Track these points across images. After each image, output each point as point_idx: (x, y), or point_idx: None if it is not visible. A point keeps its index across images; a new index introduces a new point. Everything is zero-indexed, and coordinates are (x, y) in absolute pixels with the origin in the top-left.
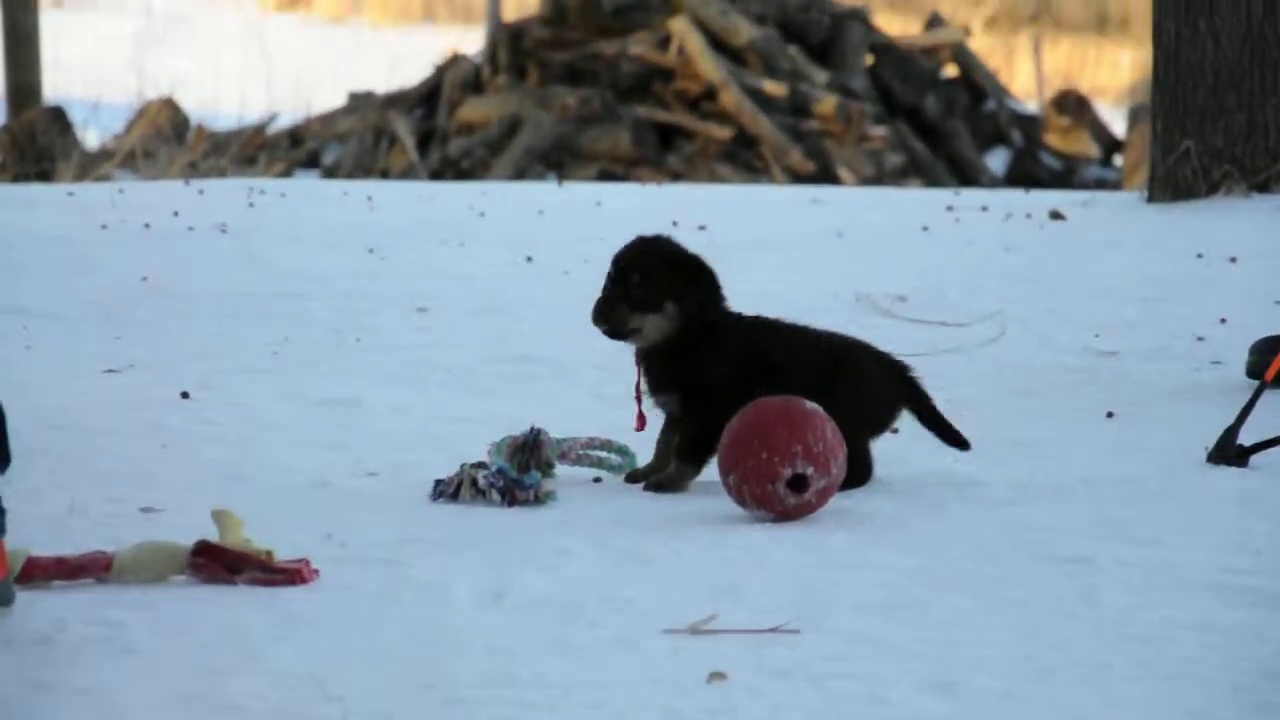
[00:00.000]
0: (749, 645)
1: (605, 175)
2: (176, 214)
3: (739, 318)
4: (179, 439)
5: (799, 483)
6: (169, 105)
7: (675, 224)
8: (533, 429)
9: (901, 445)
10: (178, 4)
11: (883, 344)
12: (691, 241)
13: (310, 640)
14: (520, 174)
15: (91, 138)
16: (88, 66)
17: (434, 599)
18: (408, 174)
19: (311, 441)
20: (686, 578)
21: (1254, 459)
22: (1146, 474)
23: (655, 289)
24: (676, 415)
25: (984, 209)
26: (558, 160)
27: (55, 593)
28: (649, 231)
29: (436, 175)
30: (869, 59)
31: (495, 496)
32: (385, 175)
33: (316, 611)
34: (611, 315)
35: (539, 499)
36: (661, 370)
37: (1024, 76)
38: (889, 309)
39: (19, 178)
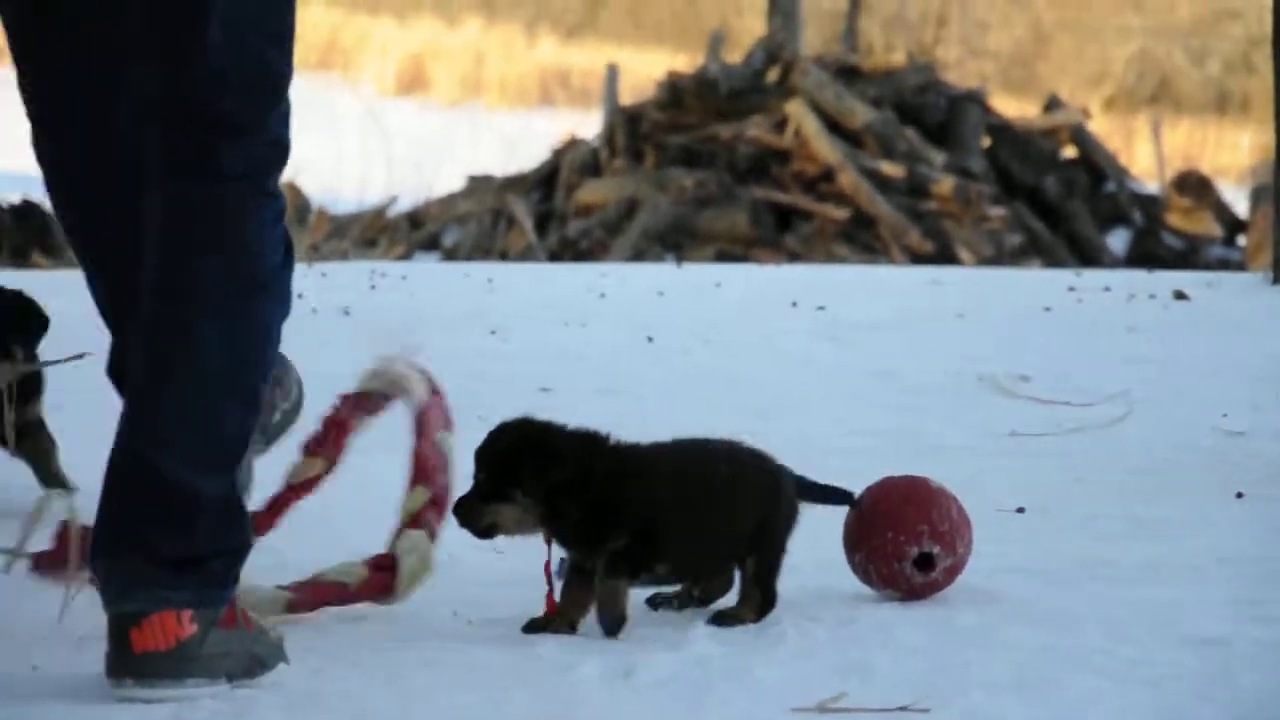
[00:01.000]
0: None
1: (723, 256)
2: (300, 296)
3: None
4: (302, 514)
5: (925, 561)
6: (290, 189)
7: (795, 304)
8: None
9: (1028, 524)
10: (298, 87)
11: (1007, 424)
12: (812, 321)
13: (435, 717)
14: (638, 255)
15: None
16: None
17: (561, 677)
18: (526, 255)
19: None
20: (814, 656)
21: None
22: None
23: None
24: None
25: (1107, 289)
26: (675, 241)
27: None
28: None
29: (554, 256)
30: (986, 141)
31: None
32: (504, 257)
33: (442, 688)
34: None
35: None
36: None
37: (1144, 158)
38: (1012, 389)
39: None
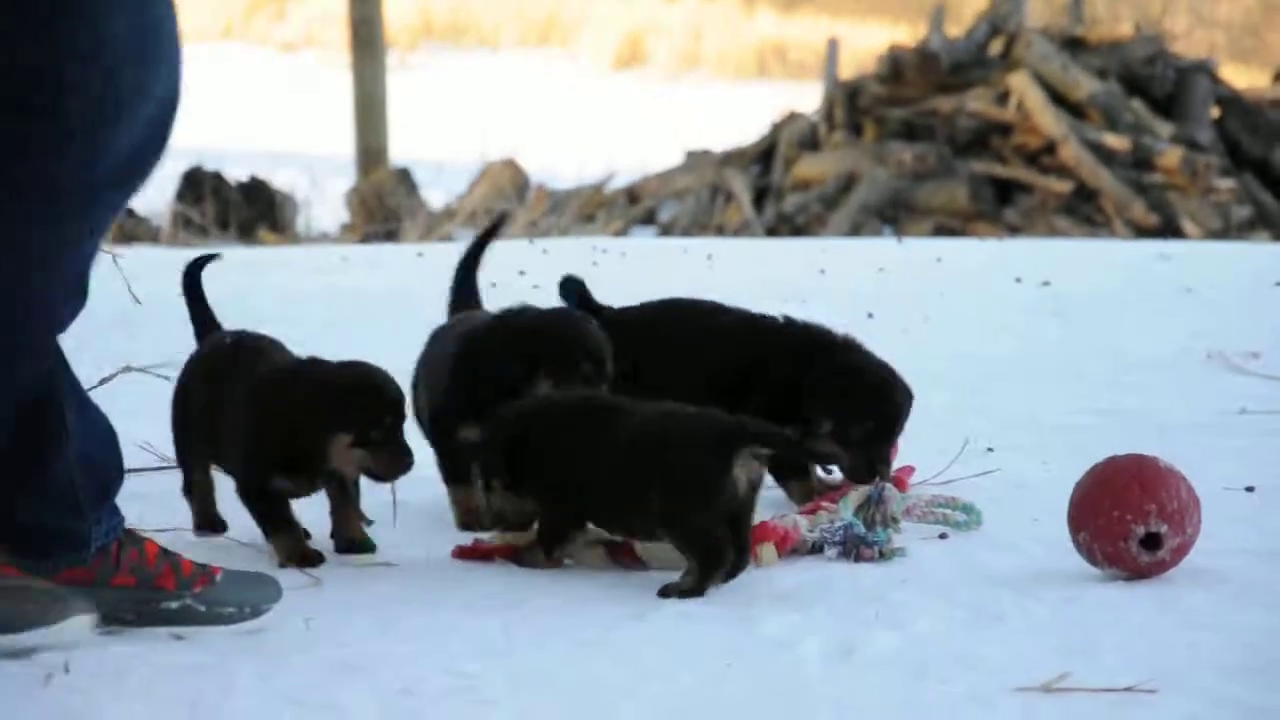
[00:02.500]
0: (1104, 705)
1: (941, 230)
2: (522, 273)
3: None
4: None
5: (1152, 541)
6: (510, 165)
7: (1019, 280)
8: (879, 484)
9: (1259, 503)
10: (517, 64)
11: (1236, 401)
12: (1035, 297)
13: (662, 694)
14: (856, 230)
15: (435, 198)
16: (432, 128)
17: (782, 655)
18: (743, 230)
19: None
20: (1038, 635)
21: None
22: None
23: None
24: None
25: None
26: (893, 216)
27: (412, 644)
28: None
29: (772, 231)
30: (1215, 112)
31: (830, 552)
32: (721, 232)
33: (668, 666)
34: None
35: (884, 555)
36: None
37: None
38: (1241, 365)
39: (367, 237)
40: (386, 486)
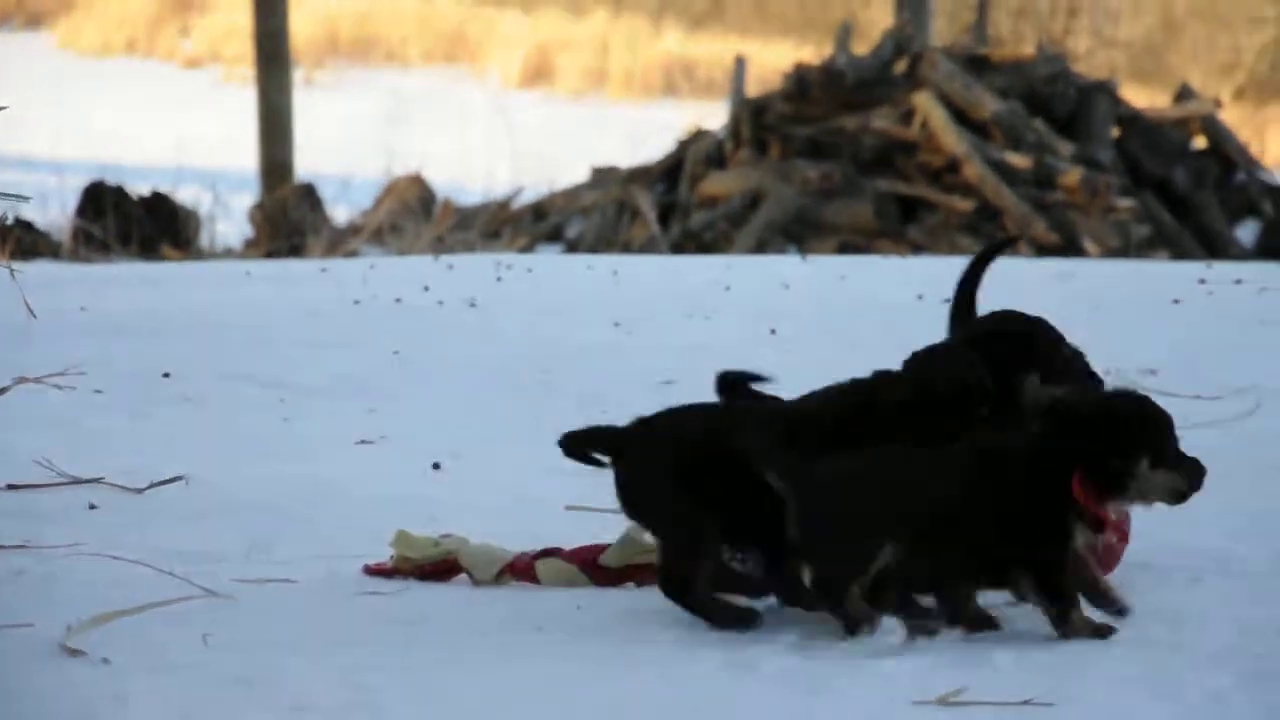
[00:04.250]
0: (1001, 719)
1: (846, 248)
2: (427, 288)
3: None
4: (431, 509)
5: None
6: (416, 181)
7: (921, 297)
8: None
9: (1157, 520)
10: (424, 81)
11: None
12: (938, 314)
13: (563, 708)
14: (761, 247)
15: (340, 213)
16: (337, 144)
17: (683, 670)
18: (649, 247)
19: (559, 512)
20: (935, 651)
21: None
22: None
23: None
24: None
25: (1238, 282)
26: (798, 233)
27: (311, 658)
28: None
29: (678, 248)
30: (1116, 131)
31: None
32: (627, 248)
33: (568, 680)
34: None
35: None
36: None
37: (1276, 148)
38: (1139, 382)
39: (271, 253)
40: (283, 506)
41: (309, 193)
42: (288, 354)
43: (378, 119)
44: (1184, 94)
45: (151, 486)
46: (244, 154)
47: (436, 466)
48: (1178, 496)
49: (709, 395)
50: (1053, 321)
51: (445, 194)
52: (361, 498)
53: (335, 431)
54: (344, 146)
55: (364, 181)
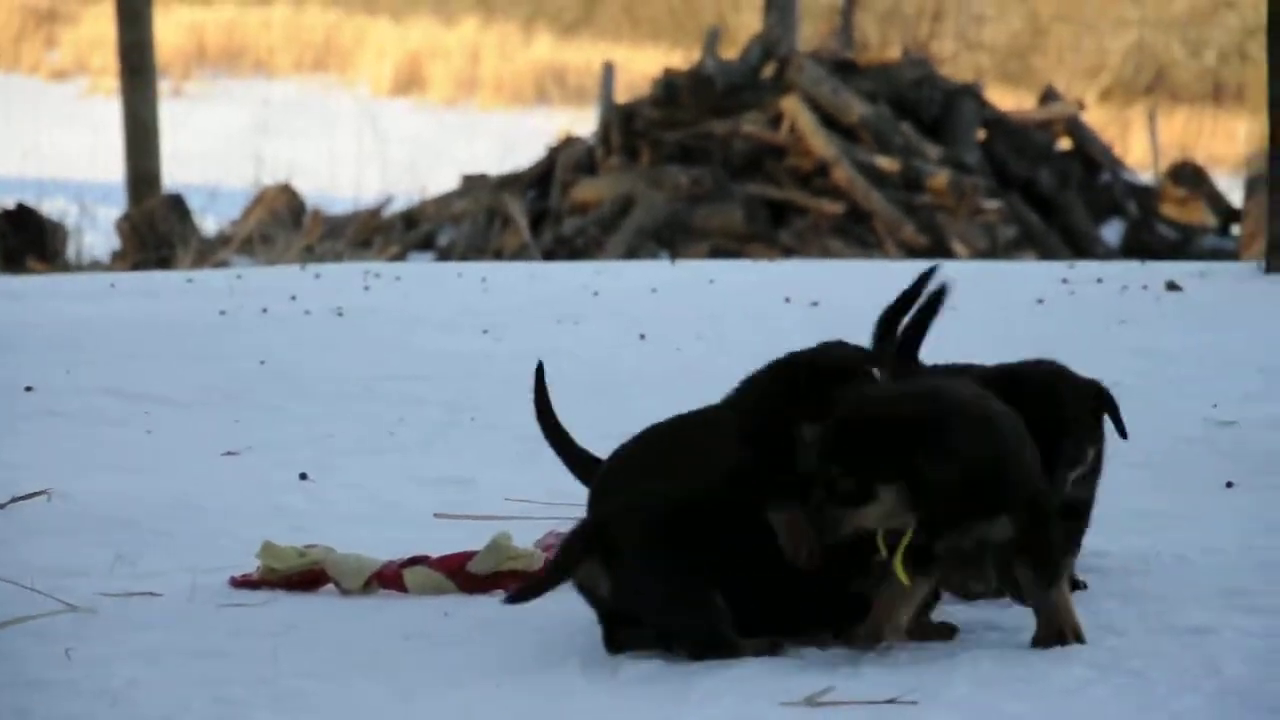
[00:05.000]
0: (866, 717)
1: (717, 252)
2: (294, 298)
3: None
4: (298, 519)
5: None
6: (286, 191)
7: (788, 300)
8: None
9: None
10: (293, 90)
11: None
12: (806, 317)
13: (429, 714)
14: (632, 252)
15: (209, 224)
16: (206, 154)
17: (547, 676)
18: (521, 254)
19: (428, 520)
20: (801, 654)
21: None
22: (1268, 543)
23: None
24: None
25: (1099, 281)
26: (670, 238)
27: (177, 671)
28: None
29: (549, 255)
30: (982, 134)
31: None
32: (499, 256)
33: (435, 686)
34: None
35: None
36: None
37: (1139, 149)
38: None
39: (139, 265)
40: (147, 518)
41: (177, 204)
42: (152, 366)
43: (246, 129)
44: (1049, 96)
45: (14, 501)
46: (111, 166)
47: (303, 477)
48: None
49: (576, 401)
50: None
51: (315, 203)
52: (227, 509)
53: (200, 443)
54: (213, 157)
55: (233, 192)
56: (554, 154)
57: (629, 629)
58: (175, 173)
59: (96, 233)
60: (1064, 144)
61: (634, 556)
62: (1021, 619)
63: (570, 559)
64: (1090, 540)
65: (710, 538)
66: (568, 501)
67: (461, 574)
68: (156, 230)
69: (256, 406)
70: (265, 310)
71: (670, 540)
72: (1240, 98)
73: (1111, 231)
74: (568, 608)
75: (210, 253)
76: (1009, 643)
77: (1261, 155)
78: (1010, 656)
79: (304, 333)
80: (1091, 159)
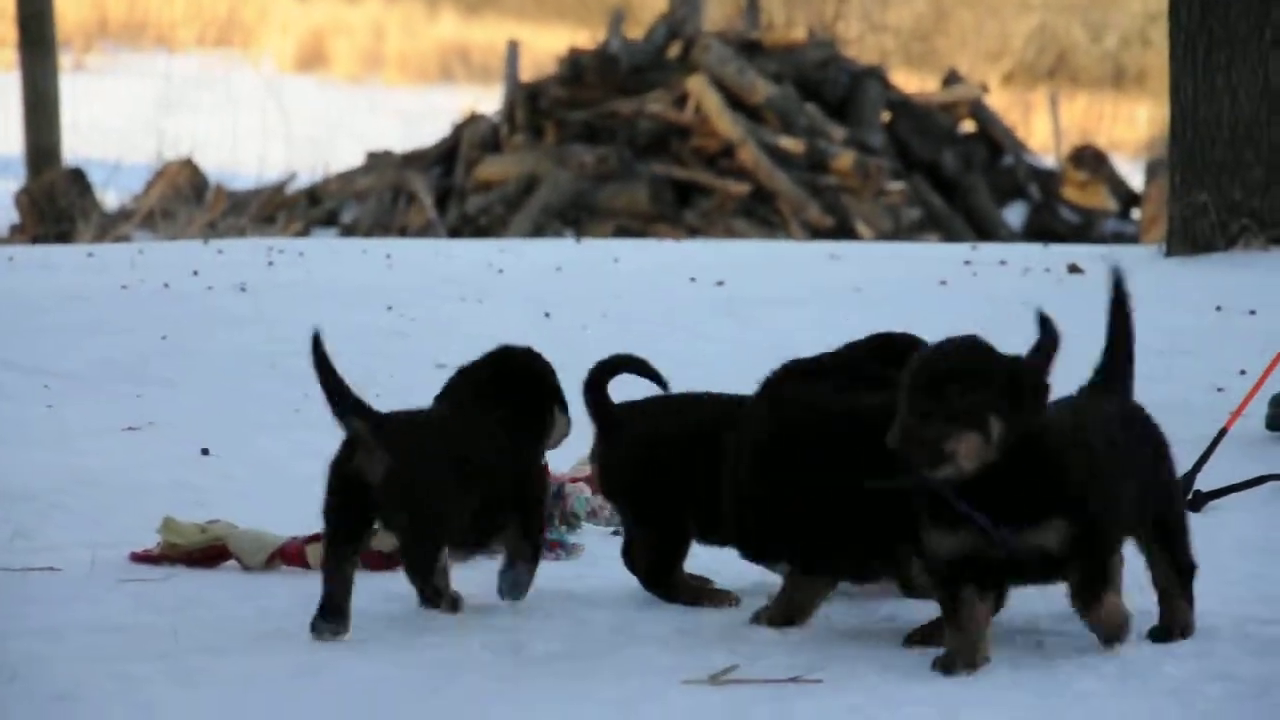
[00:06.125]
0: (769, 695)
1: (622, 231)
2: (196, 273)
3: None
4: (200, 495)
5: None
6: (188, 166)
7: (694, 280)
8: (558, 483)
9: None
10: (196, 65)
11: None
12: (711, 297)
13: (331, 687)
14: (538, 231)
15: (111, 199)
16: (107, 128)
17: (446, 650)
18: (426, 232)
19: None
20: (702, 630)
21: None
22: None
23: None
24: None
25: (1002, 263)
26: (575, 217)
27: (75, 647)
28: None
29: (454, 233)
30: (886, 116)
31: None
32: (403, 233)
33: (335, 661)
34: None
35: (568, 553)
36: None
37: (1041, 132)
38: None
39: (39, 239)
40: (47, 493)
41: (78, 177)
42: (52, 340)
43: (149, 103)
44: (952, 79)
45: None
46: (9, 138)
47: (205, 452)
48: None
49: None
50: (820, 303)
51: (218, 179)
52: (128, 484)
53: (101, 418)
54: (115, 131)
55: (135, 166)
56: (459, 131)
57: None
58: (76, 147)
59: None
60: (967, 127)
61: None
62: (927, 600)
63: None
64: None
65: None
66: None
67: (365, 551)
68: (56, 204)
69: (158, 382)
70: (167, 285)
71: None
72: (1141, 82)
73: (1014, 214)
74: (468, 587)
75: (112, 227)
76: (912, 621)
77: (1162, 139)
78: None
79: (206, 308)
80: (995, 142)
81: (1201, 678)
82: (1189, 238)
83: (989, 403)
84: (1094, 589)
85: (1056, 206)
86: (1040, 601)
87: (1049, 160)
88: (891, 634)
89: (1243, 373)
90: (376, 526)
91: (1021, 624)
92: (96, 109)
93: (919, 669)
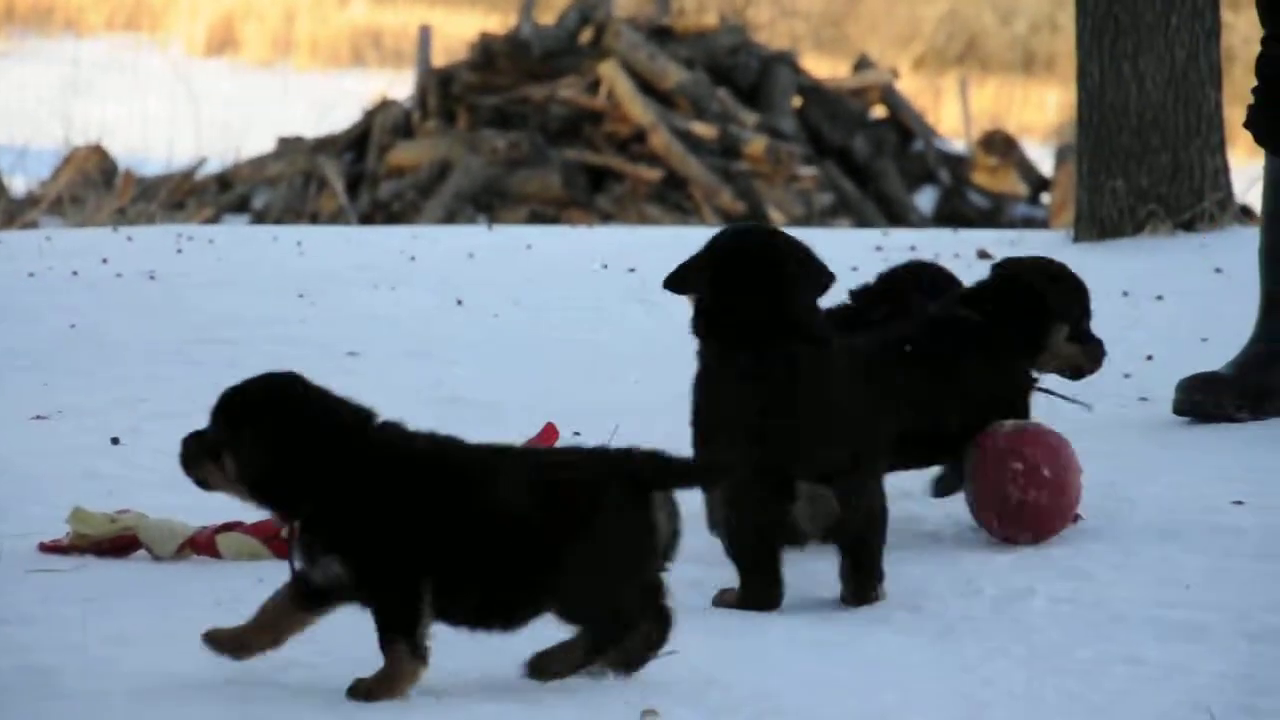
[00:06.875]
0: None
1: (535, 217)
2: (105, 261)
3: None
4: (110, 485)
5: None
6: (97, 151)
7: (605, 266)
8: None
9: None
10: (105, 49)
11: None
12: (623, 283)
13: (234, 678)
14: (450, 217)
15: (18, 184)
16: (13, 113)
17: (369, 640)
18: (337, 218)
19: None
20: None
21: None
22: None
23: None
24: None
25: (912, 249)
26: (488, 203)
27: None
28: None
29: (366, 219)
30: (797, 101)
31: None
32: (315, 219)
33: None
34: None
35: None
36: None
37: (951, 117)
38: None
39: None
40: None
41: None
42: None
43: (56, 88)
44: (863, 64)
45: None
46: None
47: (115, 441)
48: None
49: (393, 366)
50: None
51: (127, 165)
52: (36, 474)
53: (8, 407)
54: (21, 116)
55: (42, 151)
56: (370, 117)
57: None
58: None
59: None
60: (878, 112)
61: None
62: (834, 583)
63: None
64: (903, 505)
65: None
66: None
67: (276, 540)
68: None
69: (66, 370)
70: (75, 273)
71: None
72: (1050, 68)
73: (925, 199)
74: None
75: (18, 214)
76: (821, 605)
77: (1071, 125)
78: (823, 620)
79: (115, 296)
80: (905, 127)
81: (1109, 660)
82: (1096, 223)
83: None
84: None
85: (966, 191)
86: (947, 583)
87: (959, 145)
88: (801, 620)
89: (1150, 358)
90: None
91: (931, 607)
92: (3, 93)
93: (831, 654)
